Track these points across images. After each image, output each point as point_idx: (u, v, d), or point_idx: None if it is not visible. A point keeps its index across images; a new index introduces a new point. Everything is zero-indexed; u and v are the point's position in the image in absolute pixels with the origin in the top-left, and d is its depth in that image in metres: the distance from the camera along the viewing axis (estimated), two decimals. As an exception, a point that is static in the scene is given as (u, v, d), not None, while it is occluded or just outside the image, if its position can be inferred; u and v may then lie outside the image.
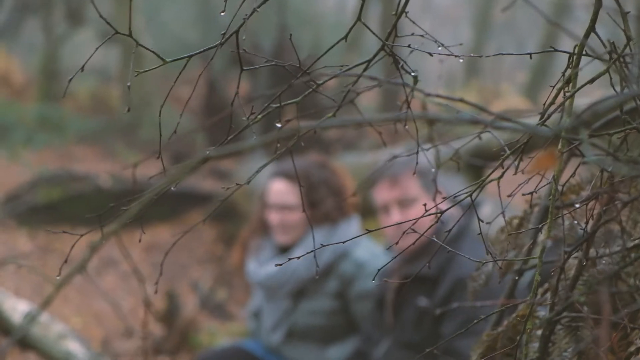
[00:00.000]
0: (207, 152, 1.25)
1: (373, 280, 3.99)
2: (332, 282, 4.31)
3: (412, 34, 1.50)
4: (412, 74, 1.45)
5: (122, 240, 1.26)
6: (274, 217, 4.39)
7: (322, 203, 4.36)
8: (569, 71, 1.51)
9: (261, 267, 4.44)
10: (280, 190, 4.40)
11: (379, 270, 1.74)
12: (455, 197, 1.53)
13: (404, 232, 1.50)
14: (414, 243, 1.60)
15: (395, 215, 3.88)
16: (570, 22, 18.90)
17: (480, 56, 1.64)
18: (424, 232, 1.53)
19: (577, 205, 1.60)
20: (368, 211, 5.46)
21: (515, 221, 1.90)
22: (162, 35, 19.87)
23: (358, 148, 11.20)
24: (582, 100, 1.89)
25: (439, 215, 1.49)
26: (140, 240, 1.46)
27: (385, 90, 14.73)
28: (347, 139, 11.74)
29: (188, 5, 22.05)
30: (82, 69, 1.51)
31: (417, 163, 1.59)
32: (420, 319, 3.75)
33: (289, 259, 1.73)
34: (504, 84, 23.29)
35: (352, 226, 4.41)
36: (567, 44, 1.53)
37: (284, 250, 4.44)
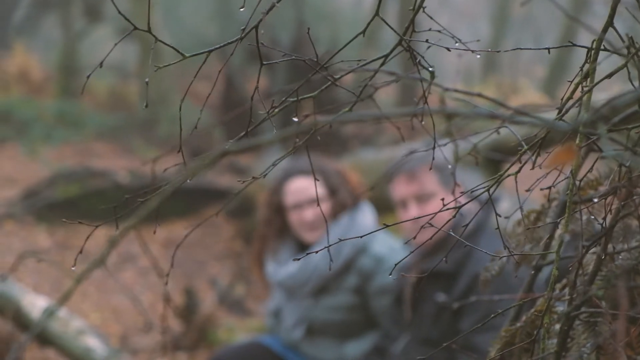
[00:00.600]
0: (226, 147, 1.26)
1: (390, 275, 3.99)
2: (351, 277, 4.30)
3: (430, 29, 1.50)
4: (430, 69, 1.45)
5: (142, 235, 1.26)
6: (306, 214, 4.35)
7: (339, 191, 4.37)
8: (587, 66, 1.50)
9: (280, 267, 4.43)
10: (304, 186, 4.37)
11: (396, 264, 1.74)
12: (473, 192, 1.52)
13: (421, 227, 1.50)
14: (431, 238, 1.61)
15: (413, 210, 3.87)
16: (589, 17, 18.82)
17: (498, 51, 1.64)
18: (442, 227, 1.53)
19: (595, 200, 1.59)
20: (386, 207, 5.45)
21: (533, 215, 1.89)
22: (180, 31, 19.89)
23: (376, 144, 11.20)
24: (601, 95, 1.89)
25: (456, 210, 1.49)
26: (154, 232, 1.46)
27: (403, 85, 14.72)
28: (364, 134, 11.74)
29: (206, 0, 22.07)
30: (101, 64, 1.51)
31: (433, 158, 1.59)
32: (439, 314, 3.75)
33: (307, 253, 1.73)
34: (522, 79, 23.22)
35: (367, 216, 4.41)
36: (586, 39, 1.53)
37: (303, 249, 4.43)
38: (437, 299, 3.73)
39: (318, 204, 3.79)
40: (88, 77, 1.57)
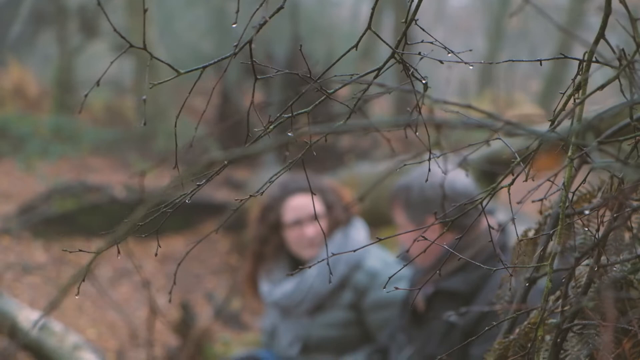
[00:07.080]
0: (219, 157, 1.26)
1: (388, 286, 3.97)
2: (347, 293, 4.30)
3: (422, 41, 1.50)
4: (423, 81, 1.45)
5: (133, 250, 1.27)
6: (308, 231, 4.35)
7: (335, 207, 4.37)
8: (579, 78, 1.51)
9: (275, 286, 4.42)
10: (304, 203, 4.37)
11: (390, 276, 1.74)
12: (466, 204, 1.53)
13: (414, 241, 1.50)
14: (424, 251, 1.61)
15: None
16: (583, 30, 18.86)
17: (490, 63, 1.64)
18: (433, 241, 1.54)
19: (587, 212, 1.60)
20: (380, 221, 5.45)
21: (530, 233, 1.89)
22: (176, 45, 19.92)
23: (371, 157, 11.21)
24: (597, 107, 1.89)
25: (448, 223, 1.49)
26: (156, 254, 1.47)
27: (398, 99, 14.77)
28: (360, 148, 11.76)
29: (202, 14, 22.10)
30: (98, 83, 1.51)
31: (429, 171, 1.59)
32: (448, 333, 3.69)
33: (300, 268, 1.74)
34: (518, 93, 23.24)
35: (360, 232, 4.41)
36: (580, 52, 1.53)
37: (298, 268, 4.40)
38: (449, 318, 3.65)
39: (316, 218, 3.79)
40: (85, 96, 1.57)
